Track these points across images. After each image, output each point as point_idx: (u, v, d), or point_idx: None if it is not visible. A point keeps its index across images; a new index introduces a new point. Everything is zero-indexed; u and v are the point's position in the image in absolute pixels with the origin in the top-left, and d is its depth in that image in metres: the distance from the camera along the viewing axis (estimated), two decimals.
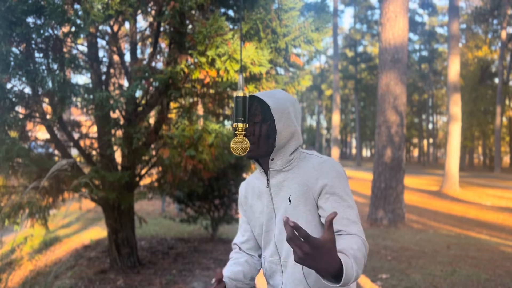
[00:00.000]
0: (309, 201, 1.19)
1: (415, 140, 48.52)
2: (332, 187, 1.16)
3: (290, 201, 1.22)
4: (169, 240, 6.05)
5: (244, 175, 6.08)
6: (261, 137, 1.21)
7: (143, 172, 4.51)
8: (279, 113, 1.20)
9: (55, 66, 3.42)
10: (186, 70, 3.45)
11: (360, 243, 1.05)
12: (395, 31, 7.93)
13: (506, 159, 42.60)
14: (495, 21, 29.64)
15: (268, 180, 1.27)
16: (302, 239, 0.82)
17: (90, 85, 4.11)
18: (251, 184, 1.35)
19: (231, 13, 4.18)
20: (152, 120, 4.33)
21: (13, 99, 3.38)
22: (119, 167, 4.27)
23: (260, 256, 1.38)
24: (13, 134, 3.60)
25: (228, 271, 1.27)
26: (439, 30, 39.22)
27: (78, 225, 7.53)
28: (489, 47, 30.20)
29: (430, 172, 27.57)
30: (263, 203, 1.29)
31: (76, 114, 6.52)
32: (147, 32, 4.64)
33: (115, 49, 4.31)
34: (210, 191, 5.79)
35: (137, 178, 4.43)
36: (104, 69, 4.40)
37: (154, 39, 4.06)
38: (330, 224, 0.83)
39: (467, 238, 6.65)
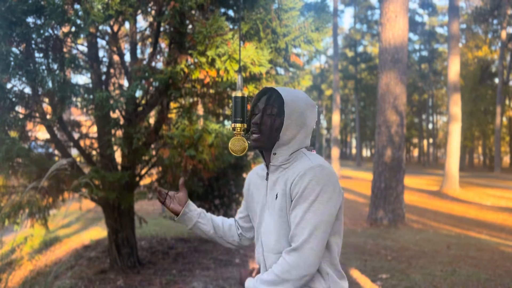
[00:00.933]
0: (288, 202, 1.22)
1: (415, 140, 48.48)
2: (301, 197, 1.17)
3: (277, 197, 1.25)
4: (169, 240, 6.04)
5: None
6: (272, 129, 1.24)
7: (143, 172, 4.50)
8: (291, 110, 1.22)
9: (55, 66, 3.42)
10: (186, 70, 3.46)
11: (279, 268, 1.16)
12: (395, 31, 7.93)
13: (506, 159, 42.54)
14: (495, 21, 29.63)
15: (267, 174, 1.31)
16: None
17: (90, 85, 4.11)
18: (256, 174, 1.41)
19: (231, 13, 4.18)
20: (152, 120, 4.33)
21: (13, 99, 3.38)
22: (119, 167, 4.27)
23: (242, 235, 1.52)
24: (13, 134, 3.60)
25: (209, 214, 1.50)
26: (439, 30, 39.19)
27: (78, 225, 7.53)
28: (489, 47, 30.18)
29: (430, 172, 27.56)
30: (261, 195, 1.34)
31: (76, 114, 6.51)
32: (147, 32, 4.64)
33: (115, 49, 4.31)
34: (210, 191, 5.80)
35: (137, 178, 4.43)
36: (104, 69, 4.39)
37: (154, 39, 4.06)
38: None
39: (467, 238, 6.65)
